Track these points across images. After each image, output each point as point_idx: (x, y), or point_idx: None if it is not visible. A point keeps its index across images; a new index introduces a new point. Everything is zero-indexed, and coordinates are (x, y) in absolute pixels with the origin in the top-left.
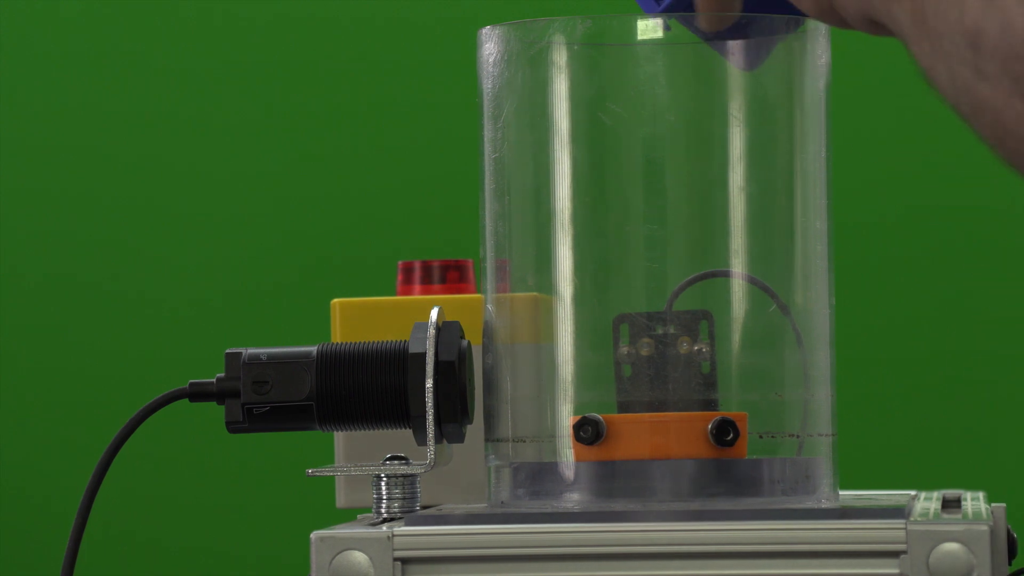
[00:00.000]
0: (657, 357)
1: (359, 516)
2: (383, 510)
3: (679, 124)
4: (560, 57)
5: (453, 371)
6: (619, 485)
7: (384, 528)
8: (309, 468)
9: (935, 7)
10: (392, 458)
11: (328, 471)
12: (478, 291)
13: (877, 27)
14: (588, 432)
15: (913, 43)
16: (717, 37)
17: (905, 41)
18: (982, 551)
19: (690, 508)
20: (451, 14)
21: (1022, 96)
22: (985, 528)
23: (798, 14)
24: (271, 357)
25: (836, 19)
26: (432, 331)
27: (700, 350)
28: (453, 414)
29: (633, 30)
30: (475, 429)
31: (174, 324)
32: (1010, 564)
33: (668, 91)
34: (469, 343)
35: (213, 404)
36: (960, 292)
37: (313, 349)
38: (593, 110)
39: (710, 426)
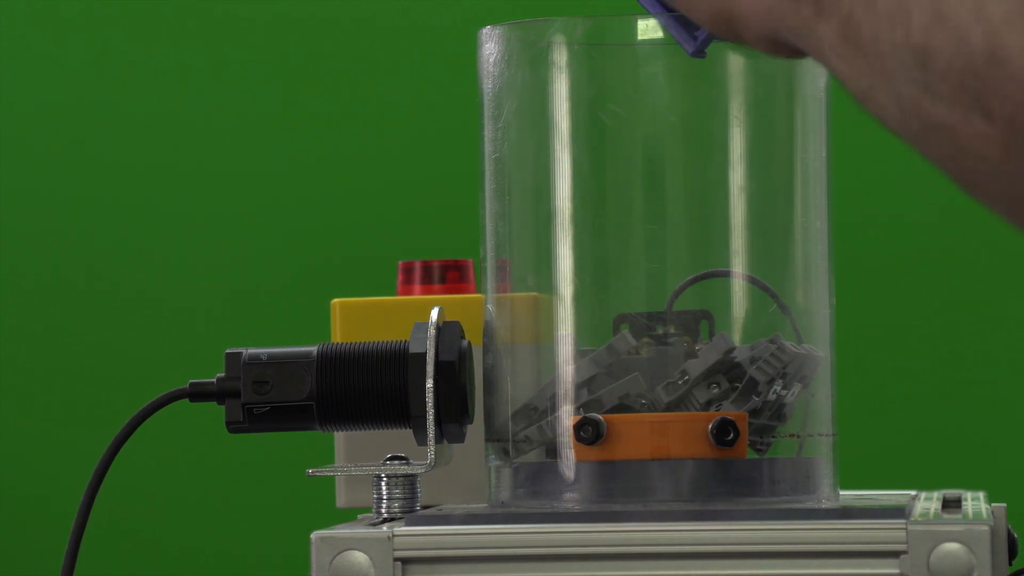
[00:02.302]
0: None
1: (359, 516)
2: (383, 510)
3: (679, 124)
4: (560, 57)
5: (453, 371)
6: (619, 485)
7: (384, 528)
8: (309, 468)
9: (871, 26)
10: (392, 458)
11: (328, 471)
12: (478, 291)
13: (780, 47)
14: (588, 432)
15: (842, 62)
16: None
17: (827, 61)
18: (983, 551)
19: (690, 508)
20: (451, 14)
21: (982, 113)
22: (986, 528)
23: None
24: (271, 357)
25: (732, 35)
26: (432, 331)
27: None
28: (453, 414)
29: (633, 30)
30: (475, 429)
31: (174, 324)
32: (1010, 564)
33: (668, 91)
34: (469, 343)
35: (213, 404)
36: (960, 292)
37: (313, 349)
38: (593, 110)
39: (710, 426)
